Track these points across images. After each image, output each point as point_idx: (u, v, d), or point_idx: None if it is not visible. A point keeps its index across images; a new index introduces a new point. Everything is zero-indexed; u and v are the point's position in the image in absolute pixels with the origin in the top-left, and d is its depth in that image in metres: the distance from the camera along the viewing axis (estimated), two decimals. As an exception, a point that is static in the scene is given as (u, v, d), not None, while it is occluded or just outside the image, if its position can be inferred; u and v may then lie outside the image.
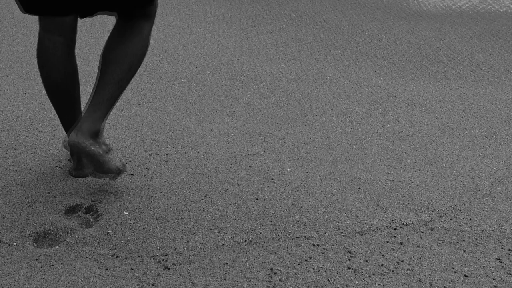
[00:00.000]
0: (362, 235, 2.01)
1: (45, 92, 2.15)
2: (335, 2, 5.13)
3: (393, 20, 4.71)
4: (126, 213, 2.05)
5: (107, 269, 1.79)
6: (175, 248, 1.89)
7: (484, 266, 1.89)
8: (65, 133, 2.59)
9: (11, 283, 1.72)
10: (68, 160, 2.37)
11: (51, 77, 2.07)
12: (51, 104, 2.86)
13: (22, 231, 1.94)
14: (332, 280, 1.79)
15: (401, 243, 1.98)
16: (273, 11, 4.75)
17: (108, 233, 1.95)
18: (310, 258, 1.88)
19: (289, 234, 1.99)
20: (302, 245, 1.94)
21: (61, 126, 2.64)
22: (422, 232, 2.05)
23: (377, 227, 2.05)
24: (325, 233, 2.01)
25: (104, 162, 2.00)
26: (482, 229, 2.08)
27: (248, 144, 2.59)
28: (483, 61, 3.82)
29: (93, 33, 3.96)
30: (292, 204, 2.16)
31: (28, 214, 2.03)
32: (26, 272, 1.76)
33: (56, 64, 2.05)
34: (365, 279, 1.80)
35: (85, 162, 2.13)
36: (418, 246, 1.97)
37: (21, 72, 3.27)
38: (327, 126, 2.82)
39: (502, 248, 1.99)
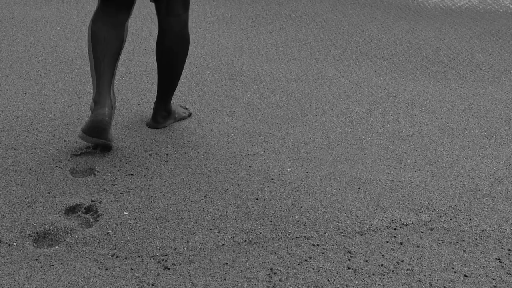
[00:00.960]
0: (362, 235, 2.01)
1: (87, 47, 2.55)
2: (335, 2, 5.13)
3: (393, 20, 4.71)
4: (126, 213, 2.06)
5: (107, 269, 1.79)
6: (175, 248, 1.90)
7: (484, 266, 1.89)
8: (63, 133, 2.59)
9: (11, 283, 1.72)
10: (68, 160, 2.37)
11: (98, 31, 2.41)
12: (51, 104, 2.87)
13: (22, 231, 1.94)
14: (332, 280, 1.79)
15: (401, 243, 1.98)
16: (273, 11, 4.75)
17: (108, 233, 1.95)
18: (310, 258, 1.88)
19: (289, 234, 1.99)
20: (302, 245, 1.94)
21: (60, 126, 2.65)
22: (422, 232, 2.05)
23: (377, 227, 2.06)
24: (325, 233, 2.01)
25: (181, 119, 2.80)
26: (482, 229, 2.08)
27: (248, 144, 2.60)
28: (483, 61, 3.82)
29: (93, 33, 3.97)
30: (292, 204, 2.16)
31: (28, 214, 2.03)
32: (26, 272, 1.76)
33: (108, 21, 2.42)
34: (365, 279, 1.80)
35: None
36: (418, 246, 1.97)
37: (21, 72, 3.27)
38: (327, 126, 2.82)
39: (502, 248, 1.99)
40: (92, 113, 2.35)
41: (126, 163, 2.38)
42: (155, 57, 3.55)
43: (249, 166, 2.41)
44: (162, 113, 2.70)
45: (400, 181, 2.36)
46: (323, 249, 1.93)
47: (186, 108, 2.87)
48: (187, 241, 1.93)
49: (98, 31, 2.40)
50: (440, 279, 1.82)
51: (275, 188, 2.26)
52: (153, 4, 4.68)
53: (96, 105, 2.36)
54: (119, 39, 2.44)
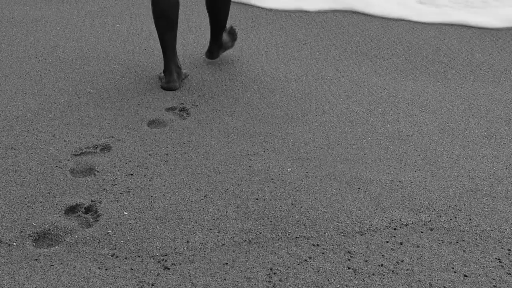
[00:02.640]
0: (361, 235, 2.01)
1: (154, 23, 3.12)
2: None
3: (393, 20, 4.70)
4: (126, 213, 2.06)
5: (106, 269, 1.79)
6: (175, 248, 1.90)
7: (483, 266, 1.89)
8: (62, 133, 2.60)
9: (11, 283, 1.72)
10: (68, 160, 2.38)
11: (159, 5, 3.03)
12: (50, 104, 2.87)
13: (21, 231, 1.94)
14: (332, 280, 1.79)
15: (401, 243, 1.98)
16: (273, 11, 4.75)
17: (108, 233, 1.95)
18: (310, 258, 1.88)
19: (288, 234, 1.99)
20: (302, 245, 1.94)
21: (60, 126, 2.66)
22: (422, 232, 2.05)
23: (376, 227, 2.06)
24: (324, 233, 2.01)
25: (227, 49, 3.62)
26: (481, 229, 2.08)
27: (248, 144, 2.60)
28: (482, 61, 3.81)
29: (93, 33, 3.96)
30: (292, 204, 2.16)
31: (28, 214, 2.03)
32: (26, 272, 1.76)
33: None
34: (364, 279, 1.80)
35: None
36: (418, 246, 1.97)
37: (21, 72, 3.27)
38: (326, 126, 2.82)
39: (502, 248, 1.99)
40: (163, 82, 3.14)
41: (126, 163, 2.38)
42: (153, 57, 3.58)
43: (249, 166, 2.41)
44: (215, 47, 3.47)
45: (400, 181, 2.36)
46: (323, 249, 1.93)
47: (231, 33, 3.62)
48: (187, 241, 1.93)
49: (157, 11, 3.03)
50: (440, 279, 1.82)
51: (275, 188, 2.26)
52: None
53: (165, 75, 3.13)
54: (176, 6, 3.06)
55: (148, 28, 4.12)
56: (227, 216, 2.07)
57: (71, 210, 2.07)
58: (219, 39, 3.47)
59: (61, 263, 1.81)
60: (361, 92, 3.25)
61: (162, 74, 3.20)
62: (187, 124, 2.76)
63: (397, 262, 1.88)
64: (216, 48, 3.49)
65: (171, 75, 3.11)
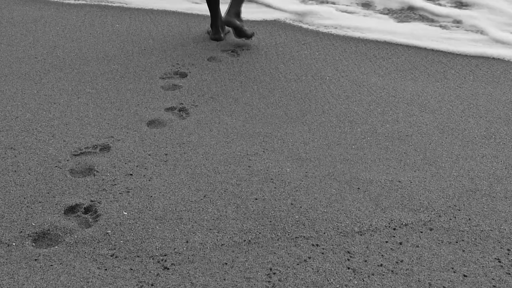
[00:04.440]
0: (361, 235, 2.02)
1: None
2: (334, 2, 5.12)
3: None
4: (125, 213, 2.06)
5: (106, 269, 1.79)
6: (174, 248, 1.90)
7: (483, 266, 1.89)
8: (62, 133, 2.60)
9: (10, 283, 1.72)
10: (67, 160, 2.38)
11: None
12: (50, 104, 2.87)
13: (21, 231, 1.94)
14: (331, 280, 1.79)
15: (400, 243, 1.98)
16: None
17: (107, 233, 1.95)
18: (309, 258, 1.88)
19: (288, 234, 1.99)
20: (301, 245, 1.94)
21: (60, 126, 2.66)
22: (421, 232, 2.05)
23: (376, 227, 2.06)
24: (324, 233, 2.01)
25: (243, 31, 3.80)
26: (481, 229, 2.08)
27: (247, 144, 2.60)
28: (482, 61, 3.82)
29: (93, 33, 3.96)
30: (291, 204, 2.16)
31: (27, 214, 2.03)
32: (25, 272, 1.76)
33: None
34: (364, 279, 1.80)
35: (232, 31, 3.90)
36: (417, 246, 1.97)
37: (20, 72, 3.27)
38: (326, 126, 2.82)
39: (501, 248, 1.99)
40: (211, 34, 3.92)
41: (126, 163, 2.38)
42: (152, 57, 3.58)
43: (249, 166, 2.41)
44: (234, 13, 3.71)
45: (399, 181, 2.36)
46: (323, 249, 1.93)
47: (242, 21, 3.88)
48: (187, 241, 1.93)
49: None
50: (439, 279, 1.82)
51: (275, 188, 2.26)
52: (151, 9, 4.66)
53: (212, 29, 3.89)
54: None
55: (147, 28, 4.12)
56: (226, 216, 2.07)
57: (71, 210, 2.07)
58: (239, 13, 3.75)
59: (60, 263, 1.81)
60: (361, 92, 3.25)
61: (210, 28, 3.97)
62: (186, 124, 2.76)
63: (397, 262, 1.89)
64: (234, 14, 3.73)
65: (217, 29, 3.88)
